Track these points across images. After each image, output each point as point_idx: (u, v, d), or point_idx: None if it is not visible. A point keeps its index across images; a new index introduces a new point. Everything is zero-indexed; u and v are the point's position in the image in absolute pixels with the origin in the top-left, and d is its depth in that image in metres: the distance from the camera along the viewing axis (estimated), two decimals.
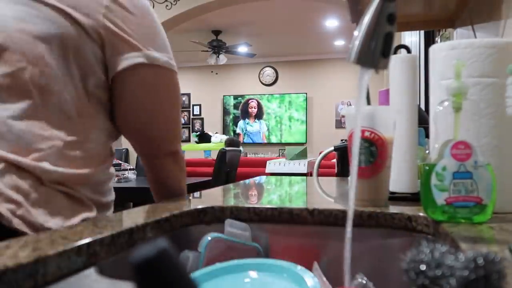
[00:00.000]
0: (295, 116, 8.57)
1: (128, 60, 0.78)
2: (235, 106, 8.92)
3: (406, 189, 0.82)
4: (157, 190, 0.95)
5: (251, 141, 8.78)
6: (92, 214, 0.77)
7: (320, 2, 5.35)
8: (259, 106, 8.76)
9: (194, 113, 9.25)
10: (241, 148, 4.78)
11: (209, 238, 0.64)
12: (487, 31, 1.20)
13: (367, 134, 0.72)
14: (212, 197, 0.94)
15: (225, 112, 8.97)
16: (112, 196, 0.87)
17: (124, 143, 5.40)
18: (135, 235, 0.57)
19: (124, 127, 0.86)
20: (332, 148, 1.76)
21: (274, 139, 8.66)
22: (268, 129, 8.72)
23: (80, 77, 0.76)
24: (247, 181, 1.35)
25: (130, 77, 0.80)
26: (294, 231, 0.73)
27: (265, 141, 8.69)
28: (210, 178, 3.40)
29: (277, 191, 1.08)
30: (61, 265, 0.44)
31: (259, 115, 8.78)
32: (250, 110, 8.80)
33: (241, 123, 8.87)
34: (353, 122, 0.74)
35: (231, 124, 8.95)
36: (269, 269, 0.55)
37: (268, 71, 8.87)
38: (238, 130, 8.88)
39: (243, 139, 8.81)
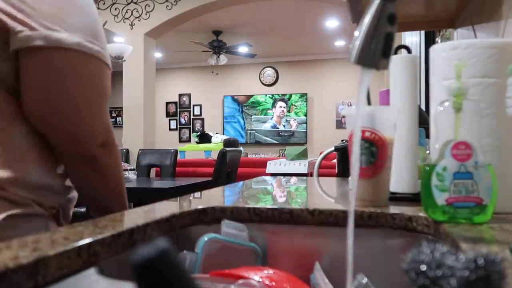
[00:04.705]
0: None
1: (22, 41, 0.67)
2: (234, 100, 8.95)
3: (407, 189, 0.82)
4: (87, 202, 0.84)
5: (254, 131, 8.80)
6: (25, 210, 0.71)
7: (320, 2, 5.35)
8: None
9: (195, 113, 9.26)
10: (241, 148, 4.78)
11: (206, 239, 0.64)
12: (487, 31, 1.20)
13: (367, 134, 0.72)
14: (213, 197, 0.94)
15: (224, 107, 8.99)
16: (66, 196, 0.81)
17: (124, 143, 5.40)
18: (135, 235, 0.57)
19: (31, 116, 0.73)
20: (333, 148, 1.76)
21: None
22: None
23: None
24: (247, 181, 1.35)
25: (27, 60, 0.69)
26: (294, 232, 0.73)
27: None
28: (211, 178, 3.40)
29: (277, 191, 1.08)
30: (61, 265, 0.44)
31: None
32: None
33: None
34: (354, 122, 0.73)
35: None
36: None
37: (269, 71, 8.87)
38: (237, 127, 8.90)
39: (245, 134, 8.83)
